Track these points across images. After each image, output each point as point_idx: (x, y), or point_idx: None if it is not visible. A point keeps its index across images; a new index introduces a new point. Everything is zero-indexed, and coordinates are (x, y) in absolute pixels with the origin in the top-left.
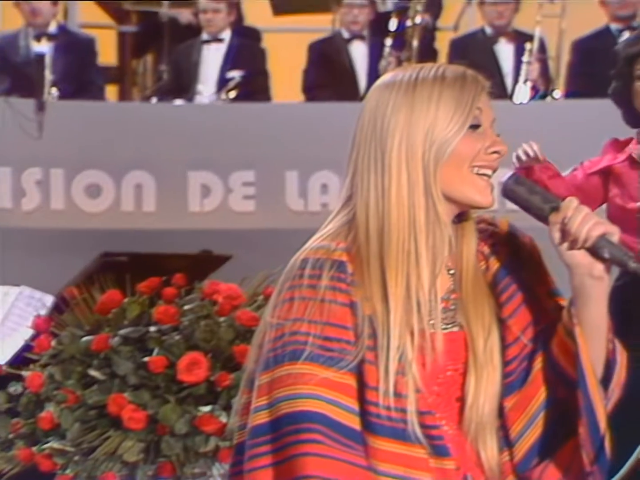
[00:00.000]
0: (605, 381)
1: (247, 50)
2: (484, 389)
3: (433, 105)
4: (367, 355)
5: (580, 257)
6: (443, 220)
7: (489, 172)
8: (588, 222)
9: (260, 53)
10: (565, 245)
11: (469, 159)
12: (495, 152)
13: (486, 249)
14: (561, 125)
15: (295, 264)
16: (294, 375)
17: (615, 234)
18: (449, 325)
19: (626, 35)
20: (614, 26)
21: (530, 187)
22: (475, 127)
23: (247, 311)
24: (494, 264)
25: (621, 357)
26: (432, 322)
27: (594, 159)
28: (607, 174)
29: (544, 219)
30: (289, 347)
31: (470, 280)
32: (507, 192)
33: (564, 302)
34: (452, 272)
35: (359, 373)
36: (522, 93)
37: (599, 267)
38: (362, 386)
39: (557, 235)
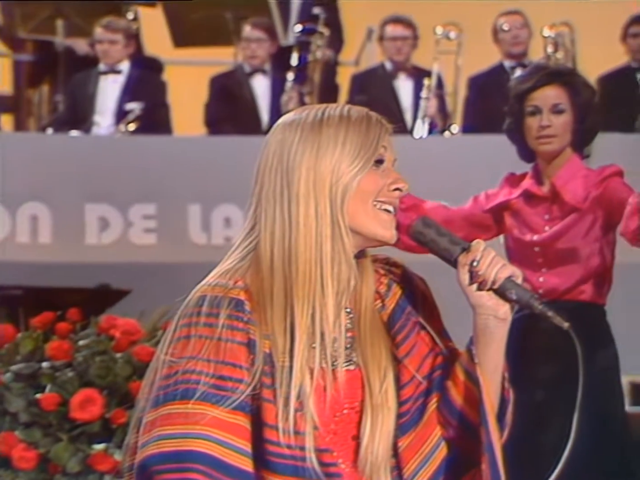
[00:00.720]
0: (499, 419)
1: (146, 82)
2: (379, 429)
3: (340, 141)
4: (264, 394)
5: (487, 298)
6: (349, 253)
7: (390, 208)
8: (497, 265)
9: (160, 85)
10: (474, 286)
11: (373, 194)
12: (397, 189)
13: (382, 288)
14: (459, 160)
15: (191, 300)
16: (185, 414)
17: (519, 276)
18: (346, 364)
19: (518, 71)
20: (508, 63)
21: (438, 229)
22: (379, 163)
23: (146, 346)
24: (390, 304)
25: (512, 395)
26: (333, 358)
27: (490, 194)
28: (502, 208)
29: (451, 260)
30: (182, 385)
31: (368, 320)
32: (416, 235)
33: (452, 344)
34: (348, 310)
35: (256, 412)
36: (421, 128)
37: (504, 309)
38: (260, 425)
39: (466, 277)
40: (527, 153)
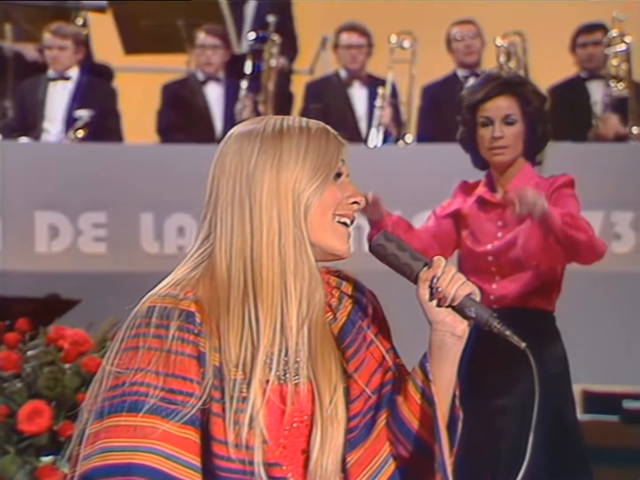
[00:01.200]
0: (450, 436)
1: (96, 89)
2: (329, 443)
3: (302, 153)
4: (213, 408)
5: (445, 314)
6: (313, 264)
7: (347, 220)
8: (457, 282)
9: (110, 92)
10: (434, 302)
11: (333, 207)
12: (355, 202)
13: (334, 301)
14: (413, 169)
15: (140, 311)
16: (134, 427)
17: (478, 294)
18: (297, 377)
19: (472, 81)
20: (461, 72)
21: (399, 243)
22: (337, 177)
23: (95, 357)
24: (341, 317)
25: (461, 413)
26: (285, 372)
27: (444, 204)
28: (457, 218)
29: (411, 275)
30: (129, 397)
31: (319, 333)
32: (376, 248)
33: (399, 361)
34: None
35: (205, 426)
36: (375, 137)
37: (462, 326)
38: (208, 439)
39: (426, 292)
40: (480, 162)
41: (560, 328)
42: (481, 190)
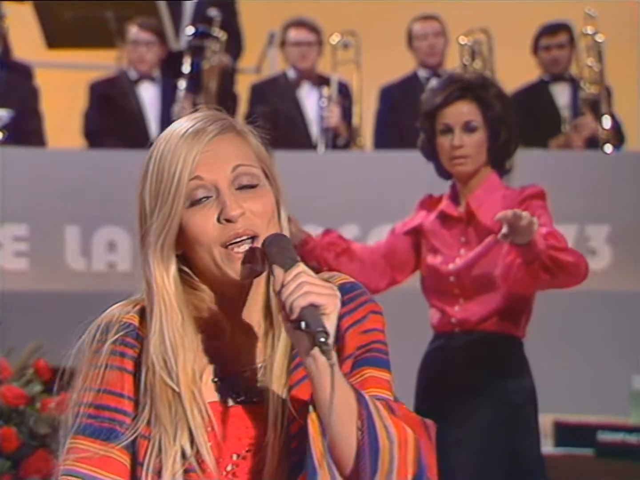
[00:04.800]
0: (370, 473)
1: (14, 87)
2: (275, 467)
3: (147, 176)
4: (141, 428)
5: (291, 331)
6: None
7: (240, 249)
8: (297, 291)
9: (30, 91)
10: (282, 315)
11: (209, 239)
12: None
13: None
14: (370, 178)
15: (91, 328)
16: (66, 450)
17: (329, 307)
18: (243, 399)
19: (434, 82)
20: (422, 72)
21: (280, 247)
22: (195, 203)
23: (13, 387)
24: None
25: (383, 443)
26: (235, 393)
27: (406, 219)
28: (418, 234)
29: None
30: (72, 419)
31: (279, 353)
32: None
33: (371, 372)
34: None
35: (134, 448)
36: (321, 142)
37: (304, 345)
38: (134, 462)
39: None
40: (444, 171)
41: (527, 353)
42: (444, 203)
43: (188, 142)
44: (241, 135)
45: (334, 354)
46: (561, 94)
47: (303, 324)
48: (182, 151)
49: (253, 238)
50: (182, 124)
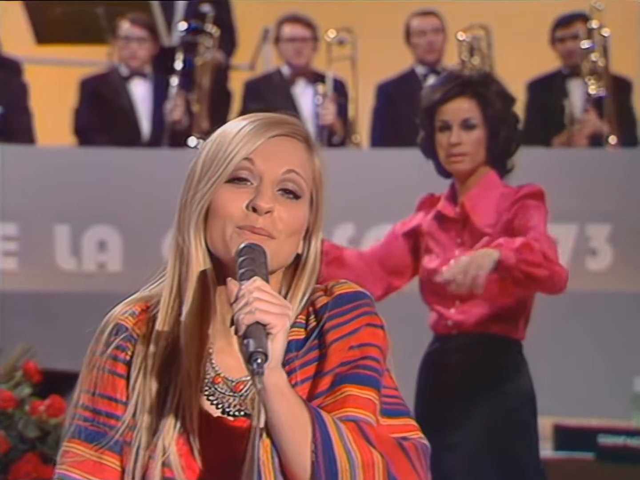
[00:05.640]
0: None
1: (3, 84)
2: None
3: (201, 157)
4: (127, 436)
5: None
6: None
7: (249, 233)
8: (247, 308)
9: (20, 87)
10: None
11: (225, 215)
12: (253, 208)
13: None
14: (367, 176)
15: (97, 329)
16: (62, 453)
17: (276, 326)
18: (236, 411)
19: (431, 79)
20: (420, 69)
21: (249, 259)
22: (236, 181)
23: (2, 389)
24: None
25: (342, 466)
26: (226, 404)
27: (406, 219)
28: (416, 236)
29: None
30: (69, 420)
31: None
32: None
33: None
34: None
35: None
36: (320, 139)
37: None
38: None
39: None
40: (443, 169)
41: (527, 355)
42: (441, 204)
43: (257, 129)
44: (310, 151)
45: (279, 380)
46: (576, 91)
47: (246, 342)
48: (249, 135)
49: (267, 237)
50: (258, 115)
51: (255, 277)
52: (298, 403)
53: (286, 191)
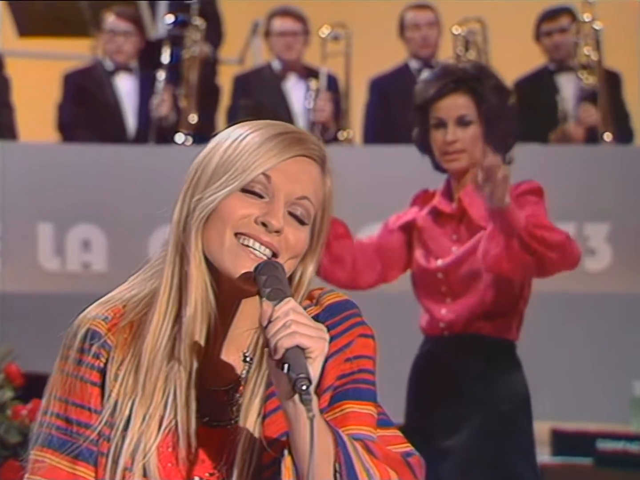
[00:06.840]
0: None
1: None
2: None
3: (212, 164)
4: (101, 446)
5: (274, 370)
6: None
7: (251, 242)
8: (284, 331)
9: (1, 82)
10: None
11: (231, 221)
12: (263, 223)
13: None
14: (360, 173)
15: (67, 332)
16: (31, 462)
17: (315, 351)
18: (222, 422)
19: (426, 74)
20: (414, 64)
21: (274, 277)
22: (249, 193)
23: None
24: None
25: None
26: (207, 414)
27: (400, 213)
28: (410, 230)
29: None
30: (38, 428)
31: (262, 371)
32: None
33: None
34: (249, 358)
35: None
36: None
37: (285, 387)
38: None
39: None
40: (440, 165)
41: (522, 357)
42: (436, 199)
43: (281, 146)
44: (323, 173)
45: (315, 405)
46: (567, 85)
47: (286, 367)
48: (271, 151)
49: (271, 254)
50: (278, 126)
51: (288, 299)
52: (323, 423)
53: (294, 216)
